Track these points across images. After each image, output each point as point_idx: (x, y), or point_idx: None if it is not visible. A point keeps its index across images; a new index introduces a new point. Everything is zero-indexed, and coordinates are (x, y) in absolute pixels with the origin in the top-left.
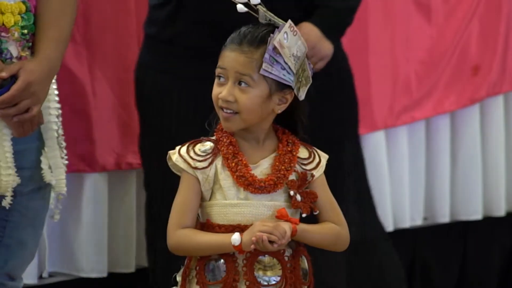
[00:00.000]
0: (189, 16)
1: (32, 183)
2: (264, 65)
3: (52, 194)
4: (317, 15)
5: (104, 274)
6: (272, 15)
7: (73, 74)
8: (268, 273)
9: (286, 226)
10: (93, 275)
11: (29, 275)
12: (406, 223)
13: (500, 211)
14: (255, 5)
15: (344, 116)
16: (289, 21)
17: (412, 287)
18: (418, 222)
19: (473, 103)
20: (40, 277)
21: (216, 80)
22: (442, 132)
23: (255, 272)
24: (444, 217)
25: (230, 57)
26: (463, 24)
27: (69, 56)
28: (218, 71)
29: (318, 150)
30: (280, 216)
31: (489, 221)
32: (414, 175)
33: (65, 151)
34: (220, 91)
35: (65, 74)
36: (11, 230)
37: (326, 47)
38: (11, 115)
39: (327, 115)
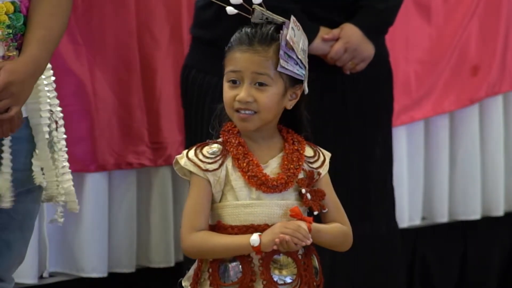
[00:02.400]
0: (232, 16)
1: (22, 186)
2: (281, 62)
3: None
4: (359, 16)
5: (105, 274)
6: (270, 13)
7: (73, 74)
8: (284, 272)
9: (303, 224)
10: (94, 275)
11: (30, 275)
12: (405, 223)
13: (499, 211)
14: (252, 5)
15: (381, 109)
16: (292, 16)
17: (412, 287)
18: (417, 222)
19: (472, 103)
20: (41, 277)
21: (228, 84)
22: (441, 132)
23: (271, 272)
24: (442, 217)
25: (244, 59)
26: (463, 24)
27: (70, 56)
28: (231, 75)
29: (322, 149)
30: (294, 215)
31: (488, 221)
32: (413, 175)
33: (62, 153)
34: (236, 93)
35: (66, 74)
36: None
37: (368, 49)
38: None
39: (366, 107)
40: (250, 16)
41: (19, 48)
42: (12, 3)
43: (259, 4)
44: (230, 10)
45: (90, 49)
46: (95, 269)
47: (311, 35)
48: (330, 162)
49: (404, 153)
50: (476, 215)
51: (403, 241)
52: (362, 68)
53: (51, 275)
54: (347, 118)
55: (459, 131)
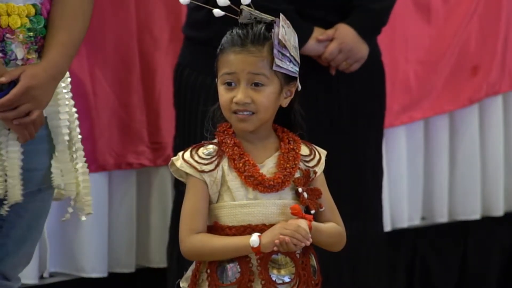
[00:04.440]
0: (224, 16)
1: (36, 185)
2: (276, 61)
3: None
4: (354, 16)
5: (105, 274)
6: (258, 12)
7: (73, 74)
8: (282, 271)
9: (303, 224)
10: (94, 275)
11: (30, 275)
12: (404, 223)
13: (499, 211)
14: (240, 6)
15: (374, 108)
16: (281, 14)
17: (412, 287)
18: (416, 222)
19: (472, 103)
20: (41, 277)
21: (224, 87)
22: (441, 132)
23: (269, 271)
24: (442, 217)
25: (238, 60)
26: (463, 24)
27: None
28: (226, 77)
29: (317, 147)
30: (296, 213)
31: (487, 221)
32: (413, 175)
33: (81, 154)
34: (232, 96)
35: None
36: (7, 229)
37: (363, 49)
38: (10, 118)
39: (360, 107)
40: (238, 17)
41: (38, 51)
42: (33, 5)
43: (247, 5)
44: (217, 12)
45: (90, 49)
46: (95, 269)
47: (305, 36)
48: None
49: (403, 153)
50: (476, 215)
51: (403, 241)
52: (356, 68)
53: (51, 275)
54: (340, 118)
55: (459, 131)
